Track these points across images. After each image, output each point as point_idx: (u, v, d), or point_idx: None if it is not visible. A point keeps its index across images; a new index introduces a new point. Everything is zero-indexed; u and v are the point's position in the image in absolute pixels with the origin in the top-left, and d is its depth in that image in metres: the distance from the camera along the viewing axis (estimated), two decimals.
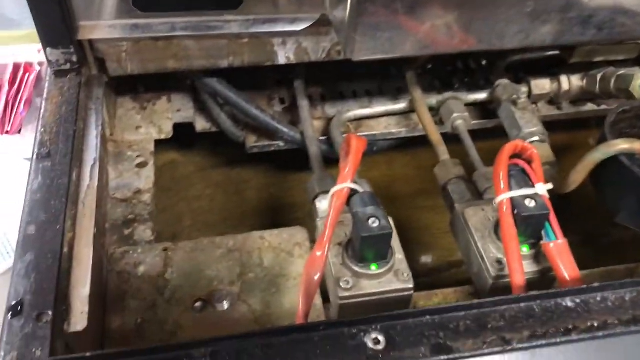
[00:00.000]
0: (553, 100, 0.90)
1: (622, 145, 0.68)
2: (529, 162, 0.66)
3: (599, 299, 0.51)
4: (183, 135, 0.88)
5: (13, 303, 0.50)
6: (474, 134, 0.84)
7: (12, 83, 1.01)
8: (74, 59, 0.68)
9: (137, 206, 0.73)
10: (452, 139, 0.83)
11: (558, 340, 0.49)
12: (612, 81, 0.81)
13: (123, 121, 0.83)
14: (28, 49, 1.04)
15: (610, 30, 0.69)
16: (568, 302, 0.51)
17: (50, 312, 0.49)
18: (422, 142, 0.85)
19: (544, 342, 0.48)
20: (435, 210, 0.92)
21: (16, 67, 1.02)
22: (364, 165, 0.98)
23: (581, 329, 0.49)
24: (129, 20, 0.68)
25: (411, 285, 0.61)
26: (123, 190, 0.75)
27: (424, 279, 0.88)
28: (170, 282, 0.65)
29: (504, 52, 0.88)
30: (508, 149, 0.66)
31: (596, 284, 0.52)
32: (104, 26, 0.68)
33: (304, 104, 0.84)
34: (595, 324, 0.50)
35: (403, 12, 0.63)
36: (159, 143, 0.83)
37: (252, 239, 0.70)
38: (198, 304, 0.64)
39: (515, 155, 0.67)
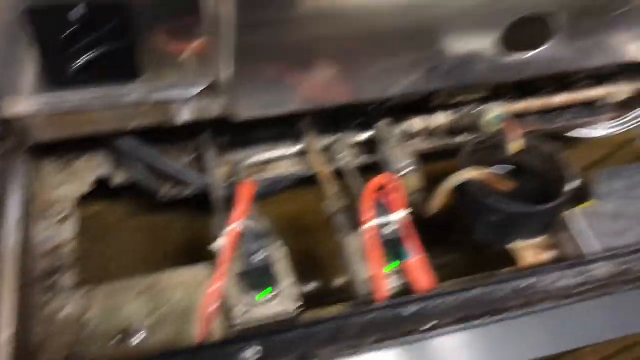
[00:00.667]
0: (429, 134, 1.03)
1: (466, 174, 0.81)
2: (391, 193, 0.79)
3: (434, 305, 0.64)
4: (108, 188, 0.98)
5: None
6: (362, 169, 0.97)
7: None
8: None
9: (61, 256, 0.83)
10: (340, 176, 0.96)
11: (400, 341, 0.61)
12: (472, 117, 0.96)
13: (47, 181, 0.92)
14: None
15: (453, 78, 0.83)
16: (408, 310, 0.63)
17: None
18: None
19: (388, 343, 0.60)
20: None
21: None
22: (275, 203, 1.11)
23: (419, 330, 0.62)
24: (46, 95, 0.78)
25: (297, 305, 0.73)
26: (47, 244, 0.84)
27: (330, 297, 0.99)
28: (92, 321, 0.75)
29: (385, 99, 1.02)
30: (374, 183, 0.79)
31: (432, 293, 0.64)
32: (25, 101, 0.78)
33: (209, 153, 0.95)
34: (432, 325, 0.62)
35: (281, 75, 0.76)
36: (86, 197, 0.93)
37: (164, 278, 0.80)
38: (117, 338, 0.74)
39: (381, 188, 0.80)
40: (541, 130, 1.07)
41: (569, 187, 0.82)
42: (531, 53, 0.83)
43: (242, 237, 0.73)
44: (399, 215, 0.76)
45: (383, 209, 0.77)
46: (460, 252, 1.03)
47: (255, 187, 0.80)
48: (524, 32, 0.81)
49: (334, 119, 1.05)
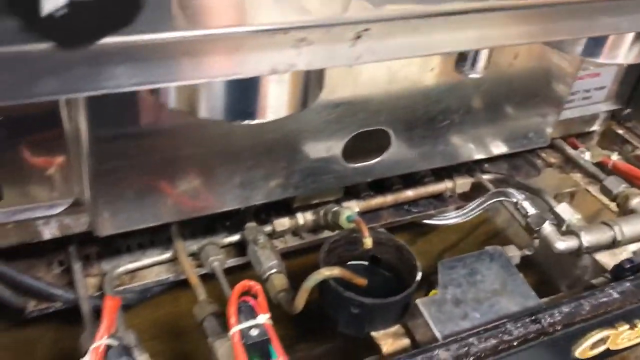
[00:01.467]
0: (295, 232, 1.11)
1: (325, 272, 0.88)
2: (255, 296, 0.84)
3: None
4: None
5: None
6: (232, 269, 1.01)
7: None
8: None
9: None
10: (212, 277, 1.00)
11: None
12: (330, 217, 1.04)
13: None
14: None
15: (306, 187, 0.92)
16: None
17: None
18: None
19: None
20: None
21: None
22: (150, 307, 1.11)
23: None
24: None
25: None
26: None
27: None
28: None
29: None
30: (237, 289, 0.83)
31: None
32: None
33: (77, 266, 0.96)
34: None
35: (141, 191, 0.80)
36: None
37: None
38: None
39: (246, 292, 0.85)
40: (397, 222, 1.18)
41: (417, 278, 0.92)
42: (373, 161, 0.94)
43: (109, 353, 0.74)
44: (264, 318, 0.80)
45: (250, 312, 0.81)
46: (329, 344, 1.09)
47: (119, 301, 0.82)
48: (364, 144, 0.92)
49: (203, 224, 1.10)
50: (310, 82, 0.58)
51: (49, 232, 0.87)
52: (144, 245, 1.06)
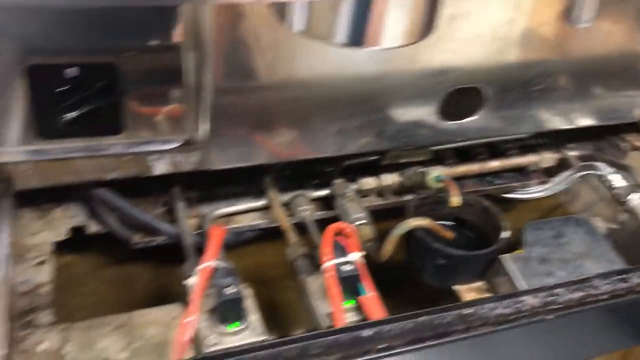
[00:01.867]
0: (380, 193, 1.15)
1: (414, 222, 0.92)
2: (347, 237, 0.89)
3: (388, 328, 0.72)
4: (79, 241, 1.04)
5: None
6: (320, 222, 1.06)
7: None
8: None
9: (38, 297, 0.88)
10: (302, 227, 1.05)
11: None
12: (416, 177, 1.08)
13: (25, 228, 0.98)
14: None
15: (399, 141, 0.96)
16: (365, 333, 0.71)
17: None
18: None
19: None
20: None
21: None
22: (239, 255, 1.18)
23: (374, 350, 0.70)
24: (31, 146, 0.86)
25: (264, 338, 0.80)
26: (25, 285, 0.89)
27: None
28: (67, 355, 0.80)
29: (340, 160, 1.13)
30: (331, 228, 0.88)
31: (386, 319, 0.73)
32: (10, 151, 0.85)
33: (180, 205, 1.03)
34: (386, 345, 0.70)
35: (250, 133, 0.86)
36: (58, 247, 0.99)
37: (137, 316, 0.86)
38: None
39: (338, 233, 0.89)
40: (479, 191, 1.20)
41: (502, 235, 0.94)
42: (464, 120, 0.97)
43: (214, 274, 0.81)
44: (355, 256, 0.85)
45: (341, 250, 0.86)
46: (412, 294, 1.12)
47: (224, 231, 0.88)
48: (458, 103, 0.95)
49: (294, 179, 1.16)
50: (425, 15, 0.62)
51: (160, 168, 0.94)
52: (239, 195, 1.12)
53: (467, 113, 0.98)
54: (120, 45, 0.80)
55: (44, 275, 0.91)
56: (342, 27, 0.60)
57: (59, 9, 0.76)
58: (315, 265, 0.93)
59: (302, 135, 0.91)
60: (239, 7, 0.70)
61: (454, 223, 1.05)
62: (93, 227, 1.03)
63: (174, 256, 1.07)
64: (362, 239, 0.99)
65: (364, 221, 1.02)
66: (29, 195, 1.00)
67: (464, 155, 1.20)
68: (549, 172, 1.25)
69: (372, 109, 0.92)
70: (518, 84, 0.96)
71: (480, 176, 1.21)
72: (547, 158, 1.23)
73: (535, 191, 1.23)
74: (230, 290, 0.78)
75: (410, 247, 0.96)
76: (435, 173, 1.05)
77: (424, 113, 0.94)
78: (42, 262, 0.93)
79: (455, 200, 0.99)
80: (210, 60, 0.78)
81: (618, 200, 1.04)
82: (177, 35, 0.81)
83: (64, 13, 0.77)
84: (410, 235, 0.94)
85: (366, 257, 0.96)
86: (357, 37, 0.61)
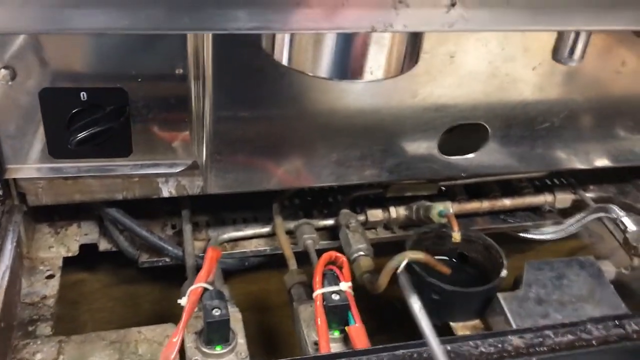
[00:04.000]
0: (387, 225, 1.15)
1: (409, 255, 0.92)
2: (340, 267, 0.89)
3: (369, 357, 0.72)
4: (90, 257, 1.08)
5: None
6: (323, 251, 1.07)
7: None
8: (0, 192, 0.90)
9: (42, 309, 0.92)
10: (306, 255, 1.06)
11: None
12: (422, 211, 1.08)
13: (39, 242, 1.02)
14: None
15: (399, 173, 0.96)
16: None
17: None
18: None
19: None
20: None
21: None
22: (243, 280, 1.19)
23: None
24: (46, 165, 0.91)
25: None
26: (32, 296, 0.93)
27: None
28: None
29: (348, 191, 1.15)
30: (324, 257, 0.89)
31: (367, 349, 0.73)
32: (26, 169, 0.90)
33: (187, 228, 1.06)
34: None
35: (245, 159, 0.89)
36: (70, 264, 1.03)
37: (131, 333, 0.88)
38: None
39: (332, 262, 0.90)
40: (490, 229, 1.19)
41: (501, 274, 0.93)
42: (467, 156, 0.97)
43: (204, 295, 0.83)
44: (345, 286, 0.85)
45: (334, 279, 0.87)
46: (406, 328, 1.11)
47: (219, 253, 0.90)
48: (460, 138, 0.96)
49: (303, 207, 1.17)
50: (407, 49, 0.63)
51: (167, 190, 0.98)
52: (247, 220, 1.15)
53: (469, 149, 0.98)
54: (131, 71, 0.85)
55: (51, 288, 0.95)
56: (324, 60, 0.62)
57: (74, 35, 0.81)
58: (309, 294, 0.94)
59: (301, 163, 0.93)
60: (237, 38, 0.73)
61: (455, 260, 1.04)
62: (103, 245, 1.07)
63: (181, 277, 1.10)
64: (361, 270, 0.99)
65: (363, 252, 1.02)
66: (47, 211, 1.05)
67: (476, 191, 1.19)
68: (565, 214, 1.23)
69: (372, 140, 0.93)
70: (522, 122, 0.96)
71: (492, 214, 1.20)
72: (563, 199, 1.21)
73: (548, 232, 1.21)
74: (217, 312, 0.80)
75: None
76: (440, 207, 1.05)
77: (424, 147, 0.95)
78: (50, 276, 0.97)
79: (456, 236, 0.98)
80: (209, 88, 0.82)
81: (630, 244, 1.01)
82: (184, 63, 0.85)
83: (78, 39, 0.82)
84: (407, 267, 0.93)
85: (363, 288, 0.97)
86: (339, 70, 0.63)
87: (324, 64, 0.62)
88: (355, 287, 0.91)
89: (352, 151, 0.93)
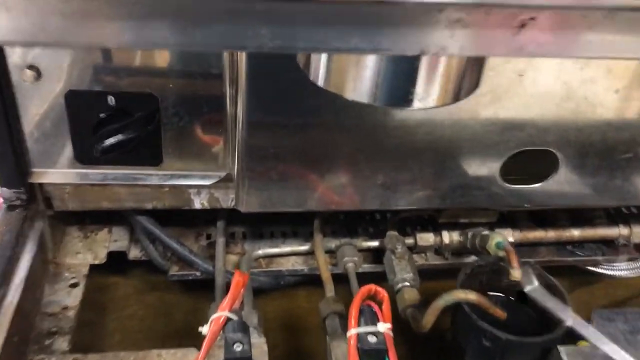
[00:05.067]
0: (438, 250, 1.05)
1: (460, 294, 0.82)
2: (380, 303, 0.80)
3: None
4: (120, 263, 1.03)
5: None
6: (365, 275, 0.98)
7: None
8: (24, 197, 0.85)
9: (62, 320, 0.87)
10: (346, 277, 0.98)
11: None
12: (477, 240, 0.97)
13: (67, 247, 0.98)
14: None
15: (453, 200, 0.86)
16: None
17: None
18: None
19: None
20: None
21: None
22: (283, 298, 1.11)
23: None
24: (72, 170, 0.86)
25: None
26: (53, 306, 0.88)
27: None
28: None
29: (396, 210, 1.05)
30: (363, 291, 0.80)
31: None
32: (52, 173, 0.86)
33: (220, 241, 0.99)
34: None
35: (280, 178, 0.81)
36: (102, 266, 0.98)
37: (151, 355, 0.82)
38: None
39: (371, 297, 0.81)
40: (556, 262, 1.07)
41: (565, 323, 0.81)
42: (533, 186, 0.86)
43: (226, 326, 0.75)
44: (384, 327, 0.76)
45: (371, 317, 0.78)
46: None
47: (246, 278, 0.82)
48: (526, 166, 0.84)
49: (347, 224, 1.08)
50: (466, 74, 0.53)
51: (199, 202, 0.91)
52: (286, 234, 1.07)
53: (536, 178, 0.86)
54: (162, 75, 0.78)
55: (73, 298, 0.90)
56: (364, 84, 0.53)
57: None
58: (345, 326, 0.86)
59: (341, 184, 0.84)
60: None
61: (514, 298, 0.93)
62: (133, 253, 1.02)
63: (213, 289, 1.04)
64: (405, 303, 0.90)
65: (409, 283, 0.92)
66: (76, 216, 1.01)
67: (541, 218, 1.07)
68: None
69: (423, 163, 0.83)
70: (599, 150, 0.83)
71: (559, 244, 1.08)
72: (639, 232, 1.07)
73: (622, 268, 1.08)
74: (238, 348, 0.72)
75: (456, 321, 0.85)
76: (498, 238, 0.94)
77: (484, 173, 0.84)
78: (74, 285, 0.92)
79: (515, 273, 0.87)
80: (242, 93, 0.74)
81: None
82: (219, 66, 0.77)
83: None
84: (456, 308, 0.83)
85: (406, 324, 0.87)
86: (382, 96, 0.54)
87: (364, 88, 0.53)
88: (397, 321, 0.82)
89: (400, 174, 0.83)
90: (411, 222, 1.06)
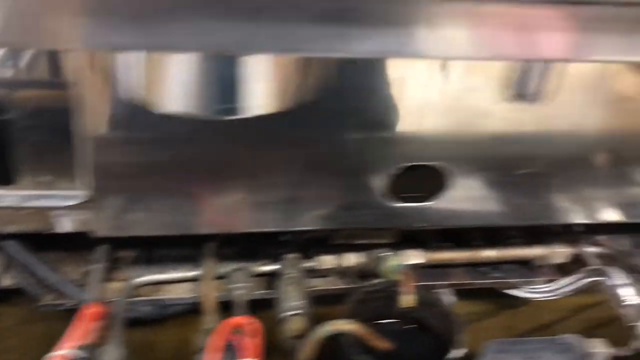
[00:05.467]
0: (344, 274, 0.97)
1: (337, 325, 0.74)
2: (248, 336, 0.72)
3: None
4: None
5: None
6: (265, 303, 0.90)
7: None
8: None
9: None
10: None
11: None
12: (376, 262, 0.90)
13: None
14: None
15: (346, 220, 0.79)
16: None
17: None
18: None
19: None
20: None
21: None
22: (175, 327, 1.01)
23: None
24: None
25: None
26: None
27: None
28: None
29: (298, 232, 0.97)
30: (229, 323, 0.73)
31: None
32: None
33: (96, 267, 0.91)
34: None
35: (138, 199, 0.73)
36: None
37: None
38: None
39: (238, 330, 0.73)
40: (470, 285, 1.00)
41: (454, 354, 0.74)
42: (423, 204, 0.79)
43: None
44: None
45: (233, 352, 0.70)
46: None
47: (100, 310, 0.74)
48: (416, 182, 0.77)
49: (246, 246, 1.01)
50: None
51: (66, 225, 0.83)
52: (177, 259, 0.98)
53: (427, 195, 0.79)
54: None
55: None
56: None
57: None
58: None
59: (212, 205, 0.76)
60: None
61: (409, 325, 0.86)
62: (7, 281, 0.93)
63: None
64: (290, 333, 0.82)
65: (298, 311, 0.85)
66: None
67: (454, 238, 1.00)
68: (564, 270, 1.03)
69: (303, 180, 0.76)
70: (493, 166, 0.77)
71: (473, 266, 1.01)
72: (560, 253, 1.00)
73: (539, 291, 1.01)
74: None
75: (333, 355, 0.78)
76: (394, 261, 0.86)
77: (369, 190, 0.77)
78: None
79: (406, 299, 0.80)
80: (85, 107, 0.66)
81: (627, 320, 0.81)
82: (65, 76, 0.70)
83: None
84: (336, 339, 0.76)
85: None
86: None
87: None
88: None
89: (271, 193, 0.75)
90: (315, 245, 0.99)
